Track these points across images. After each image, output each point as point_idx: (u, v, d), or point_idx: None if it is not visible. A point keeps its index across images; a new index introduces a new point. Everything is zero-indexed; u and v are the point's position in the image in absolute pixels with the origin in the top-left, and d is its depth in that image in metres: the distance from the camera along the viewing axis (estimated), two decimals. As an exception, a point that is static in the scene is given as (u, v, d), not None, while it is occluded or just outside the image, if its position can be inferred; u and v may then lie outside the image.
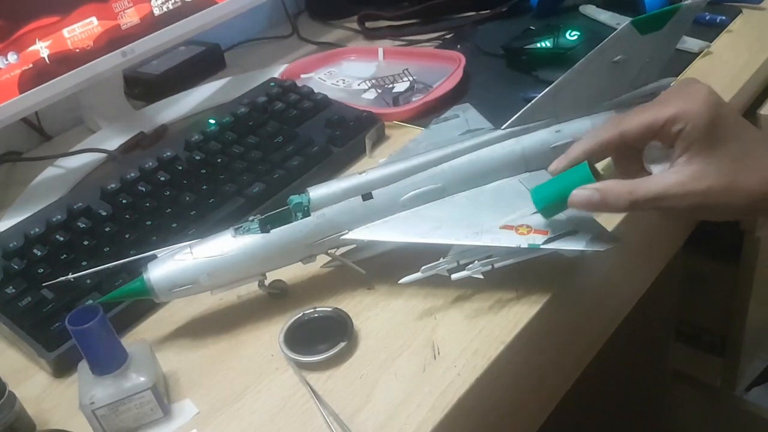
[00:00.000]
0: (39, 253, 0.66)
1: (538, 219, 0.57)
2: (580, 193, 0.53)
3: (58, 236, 0.68)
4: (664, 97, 0.53)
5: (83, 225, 0.69)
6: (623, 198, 0.51)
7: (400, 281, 0.58)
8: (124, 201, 0.72)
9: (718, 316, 1.22)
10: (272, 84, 0.89)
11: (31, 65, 0.77)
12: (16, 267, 0.65)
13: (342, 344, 0.56)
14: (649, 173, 0.54)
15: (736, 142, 0.50)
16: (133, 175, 0.74)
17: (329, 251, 0.61)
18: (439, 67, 0.96)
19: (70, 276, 0.59)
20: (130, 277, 0.60)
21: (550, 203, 0.56)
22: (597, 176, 0.54)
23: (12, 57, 0.75)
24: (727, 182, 0.50)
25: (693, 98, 0.50)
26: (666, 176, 0.51)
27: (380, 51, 1.03)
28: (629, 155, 0.56)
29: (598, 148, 0.54)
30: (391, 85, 0.94)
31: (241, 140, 0.80)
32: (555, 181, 0.55)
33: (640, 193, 0.51)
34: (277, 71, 1.02)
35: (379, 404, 0.52)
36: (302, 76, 1.01)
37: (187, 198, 0.72)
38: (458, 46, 1.03)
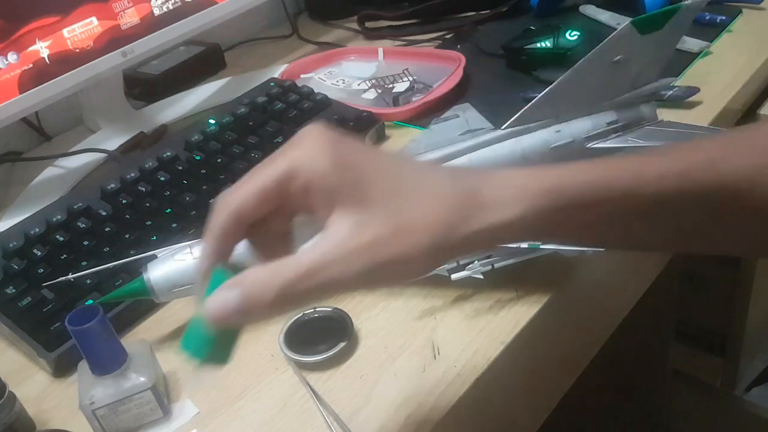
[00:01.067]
0: (39, 253, 0.66)
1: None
2: (213, 302, 0.37)
3: (58, 236, 0.68)
4: (275, 153, 0.42)
5: (83, 225, 0.69)
6: (268, 284, 0.36)
7: (400, 281, 0.58)
8: (124, 201, 0.72)
9: (718, 316, 1.22)
10: (272, 84, 0.89)
11: (31, 65, 0.77)
12: (16, 267, 0.64)
13: (342, 344, 0.56)
14: None
15: (384, 175, 0.39)
16: (133, 175, 0.74)
17: (329, 251, 0.61)
18: (439, 67, 0.96)
19: (70, 276, 0.60)
20: (130, 277, 0.60)
21: (207, 342, 0.38)
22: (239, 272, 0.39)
23: (12, 57, 0.75)
24: (396, 224, 0.37)
25: (303, 143, 0.40)
26: (319, 243, 0.38)
27: (380, 51, 1.03)
28: (274, 244, 0.42)
29: (220, 243, 0.40)
30: (391, 85, 0.94)
31: (241, 140, 0.79)
32: (199, 314, 0.38)
33: (289, 271, 0.37)
34: (277, 71, 1.02)
35: (379, 404, 0.52)
36: (302, 76, 1.01)
37: (188, 198, 0.72)
38: (458, 46, 1.03)
